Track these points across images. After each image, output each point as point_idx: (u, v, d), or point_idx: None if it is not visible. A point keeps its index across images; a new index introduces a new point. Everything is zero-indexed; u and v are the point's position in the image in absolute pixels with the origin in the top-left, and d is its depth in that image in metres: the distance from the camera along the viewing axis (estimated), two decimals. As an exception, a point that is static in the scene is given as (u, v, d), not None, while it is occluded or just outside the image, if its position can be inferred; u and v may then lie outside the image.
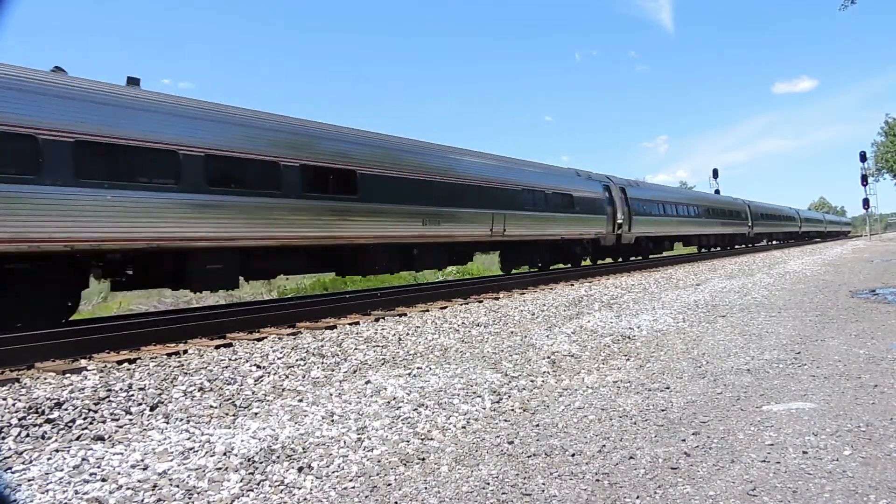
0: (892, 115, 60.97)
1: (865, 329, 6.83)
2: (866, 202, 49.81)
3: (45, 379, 5.35)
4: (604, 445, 3.52)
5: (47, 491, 3.03)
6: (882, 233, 75.63)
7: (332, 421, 4.15)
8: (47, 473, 3.24)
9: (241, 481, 3.17)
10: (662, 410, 4.14)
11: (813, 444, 3.32)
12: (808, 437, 3.44)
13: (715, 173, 51.04)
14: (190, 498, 2.99)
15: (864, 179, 48.91)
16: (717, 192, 50.81)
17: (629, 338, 7.05)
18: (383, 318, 9.12)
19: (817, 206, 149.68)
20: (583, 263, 21.69)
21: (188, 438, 3.81)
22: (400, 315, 9.54)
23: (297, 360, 6.03)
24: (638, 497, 2.80)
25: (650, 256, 26.63)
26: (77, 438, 3.91)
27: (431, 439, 3.82)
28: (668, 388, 4.75)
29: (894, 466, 2.94)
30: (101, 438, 3.91)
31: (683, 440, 3.52)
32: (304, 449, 3.62)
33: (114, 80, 9.41)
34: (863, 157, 49.41)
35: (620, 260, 24.68)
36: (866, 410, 3.86)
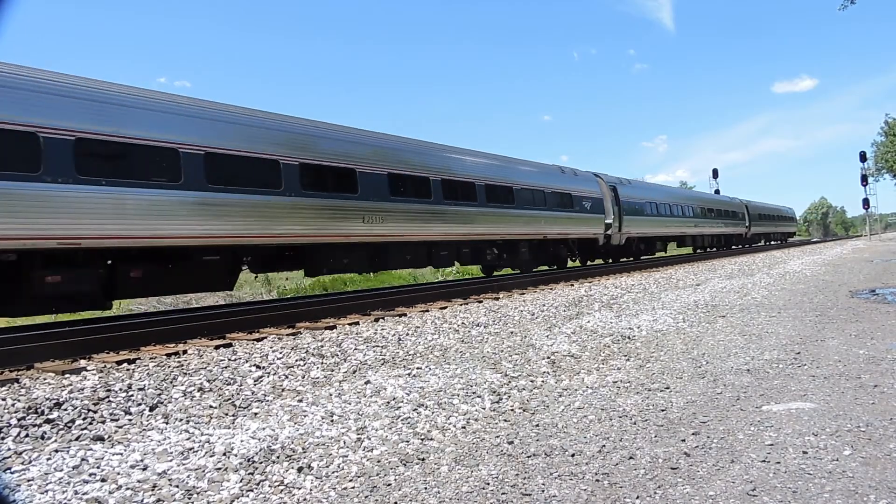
0: (892, 115, 61.00)
1: (865, 329, 6.83)
2: (866, 202, 49.86)
3: (45, 379, 5.35)
4: (603, 445, 3.51)
5: (47, 491, 3.02)
6: (882, 233, 75.62)
7: (332, 421, 4.15)
8: (47, 474, 3.23)
9: (240, 481, 3.16)
10: (662, 410, 4.14)
11: (813, 444, 3.32)
12: (808, 437, 3.44)
13: (715, 173, 51.13)
14: (189, 498, 2.98)
15: (864, 179, 48.96)
16: (716, 191, 50.79)
17: (629, 338, 7.05)
18: (383, 319, 9.12)
19: (817, 206, 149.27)
20: (570, 265, 21.23)
21: (188, 439, 3.81)
22: (400, 315, 9.54)
23: (296, 361, 6.03)
24: (638, 497, 2.80)
25: (642, 258, 26.03)
26: (76, 439, 3.91)
27: (431, 439, 3.82)
28: (667, 388, 4.74)
29: (894, 466, 2.94)
30: (100, 439, 3.90)
31: (683, 440, 3.52)
32: (303, 449, 3.61)
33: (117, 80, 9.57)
34: (863, 158, 49.47)
35: (610, 261, 24.20)
36: (866, 410, 3.86)
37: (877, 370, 4.90)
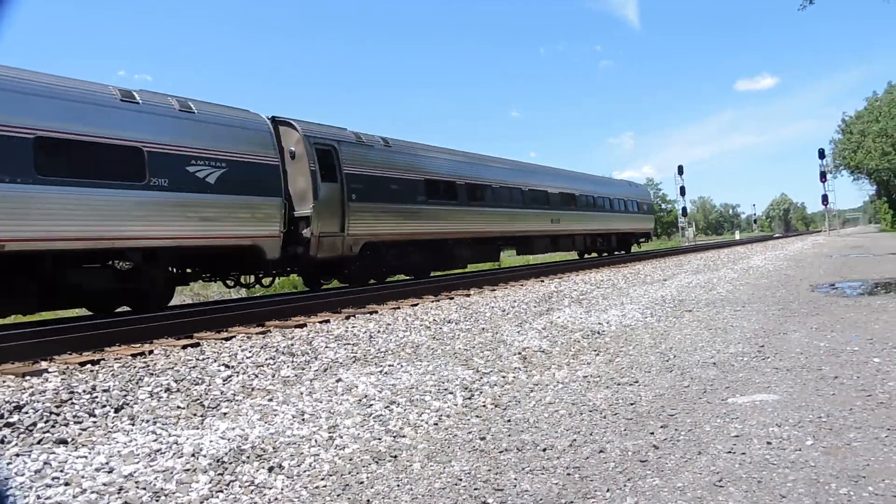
0: (849, 113, 62.96)
1: (826, 322, 7.02)
2: (825, 198, 51.33)
3: (4, 382, 5.19)
4: (574, 439, 3.55)
5: (7, 497, 2.94)
6: (840, 228, 77.87)
7: (303, 420, 4.11)
8: (7, 479, 3.14)
9: (210, 482, 3.12)
10: (631, 404, 4.20)
11: (776, 434, 3.41)
12: (771, 428, 3.52)
13: (680, 170, 51.89)
14: (157, 500, 2.93)
15: (823, 176, 50.45)
16: (682, 189, 51.56)
17: (598, 333, 7.13)
18: (354, 316, 9.07)
19: (778, 202, 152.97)
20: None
21: (155, 440, 3.74)
22: (371, 313, 9.50)
23: (266, 360, 5.96)
24: (608, 490, 2.83)
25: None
26: (38, 442, 3.80)
27: (403, 437, 3.81)
28: (636, 382, 4.81)
29: (854, 455, 3.03)
30: (63, 442, 3.80)
31: (652, 433, 3.58)
32: (274, 448, 3.58)
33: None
34: (821, 155, 50.96)
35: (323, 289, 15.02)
36: (827, 401, 3.97)
37: (837, 362, 5.04)
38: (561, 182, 24.60)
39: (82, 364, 5.89)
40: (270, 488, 3.07)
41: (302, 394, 4.80)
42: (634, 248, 32.53)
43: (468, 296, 11.78)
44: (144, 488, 3.04)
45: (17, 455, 3.51)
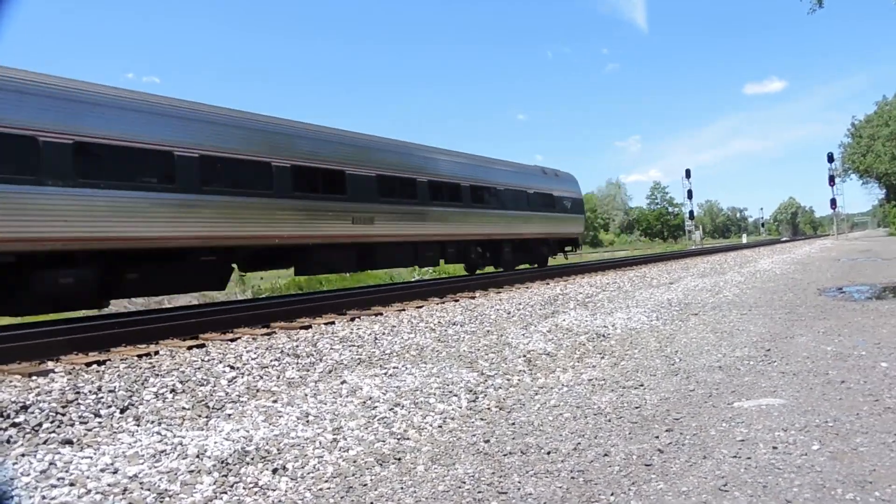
0: (859, 117, 62.79)
1: (833, 326, 6.98)
2: (833, 202, 51.06)
3: (11, 382, 5.22)
4: (579, 443, 3.54)
5: (12, 497, 2.95)
6: (849, 232, 77.41)
7: (308, 421, 4.11)
8: (12, 479, 3.16)
9: (214, 484, 3.12)
10: (636, 408, 4.18)
11: (782, 439, 3.39)
12: (777, 432, 3.50)
13: (687, 173, 51.71)
14: (161, 501, 2.94)
15: (832, 180, 50.17)
16: (689, 192, 51.37)
17: (604, 336, 7.11)
18: (359, 318, 9.07)
19: (786, 206, 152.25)
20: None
21: (160, 441, 3.75)
22: (376, 314, 9.50)
23: (271, 361, 5.97)
24: (612, 494, 2.82)
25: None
26: (44, 442, 3.82)
27: (407, 439, 3.81)
28: (641, 385, 4.80)
29: (861, 461, 3.01)
30: (69, 442, 3.82)
31: (657, 437, 3.56)
32: (278, 450, 3.58)
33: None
34: (830, 159, 50.74)
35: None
36: (834, 406, 3.94)
37: (844, 366, 5.01)
38: (386, 158, 15.34)
39: (88, 364, 5.91)
40: (274, 490, 3.08)
41: (306, 395, 4.80)
42: (556, 260, 23.96)
43: (473, 298, 11.78)
44: (149, 489, 3.05)
45: (23, 455, 3.52)
